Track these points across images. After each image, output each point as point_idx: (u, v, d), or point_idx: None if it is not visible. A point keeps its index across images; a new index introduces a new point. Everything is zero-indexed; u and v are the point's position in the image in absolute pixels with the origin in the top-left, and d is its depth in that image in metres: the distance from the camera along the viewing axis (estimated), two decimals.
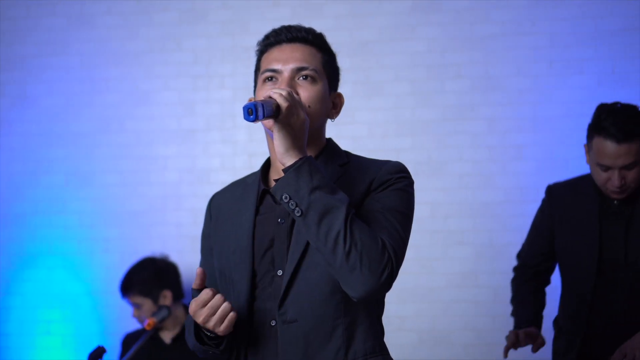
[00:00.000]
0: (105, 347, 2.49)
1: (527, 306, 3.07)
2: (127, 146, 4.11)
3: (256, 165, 4.00)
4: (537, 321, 3.03)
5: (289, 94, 1.75)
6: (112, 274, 4.00)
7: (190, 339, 1.91)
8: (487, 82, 3.87)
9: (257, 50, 1.99)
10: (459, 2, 3.89)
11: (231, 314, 1.78)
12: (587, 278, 2.94)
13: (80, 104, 4.15)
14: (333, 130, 3.73)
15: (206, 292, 1.78)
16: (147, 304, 3.64)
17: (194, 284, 1.82)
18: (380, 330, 1.92)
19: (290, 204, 1.73)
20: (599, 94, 3.61)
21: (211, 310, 1.77)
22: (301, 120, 1.76)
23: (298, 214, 1.73)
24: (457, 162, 3.83)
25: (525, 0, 3.85)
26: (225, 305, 1.78)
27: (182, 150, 4.08)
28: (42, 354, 4.09)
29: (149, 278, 3.68)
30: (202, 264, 2.07)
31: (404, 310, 3.84)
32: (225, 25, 4.07)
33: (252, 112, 1.69)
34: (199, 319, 1.79)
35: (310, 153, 1.90)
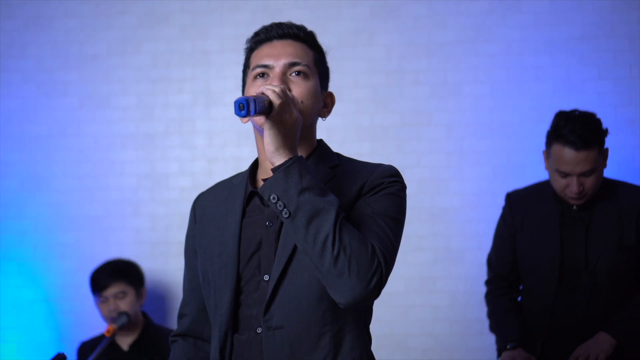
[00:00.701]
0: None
1: (508, 322, 3.04)
2: (84, 150, 4.07)
3: (215, 171, 4.03)
4: (522, 337, 3.00)
5: (283, 90, 1.69)
6: (69, 280, 3.96)
7: None
8: (445, 88, 3.90)
9: (246, 48, 1.93)
10: (417, 9, 3.92)
11: None
12: (549, 284, 2.97)
13: (37, 107, 4.10)
14: None
15: None
16: (131, 294, 3.59)
17: None
18: (368, 339, 1.87)
19: (278, 204, 1.66)
20: (555, 101, 3.66)
21: None
22: (294, 119, 1.69)
23: (286, 215, 1.66)
24: (415, 168, 3.86)
25: (482, 8, 3.89)
26: None
27: (141, 155, 4.05)
28: None
29: (135, 269, 3.67)
30: (186, 267, 2.01)
31: None
32: (184, 30, 4.05)
33: (243, 106, 1.61)
34: None
35: (300, 153, 1.84)
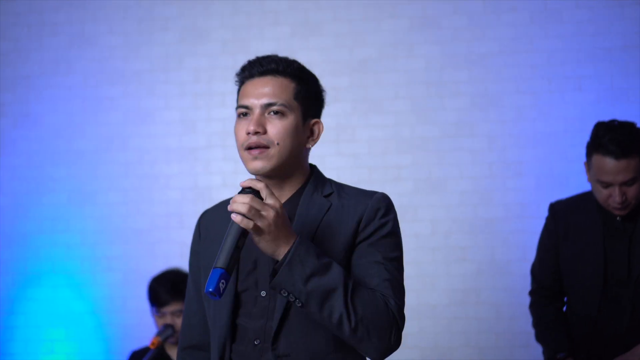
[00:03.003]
0: None
1: (556, 332, 3.02)
2: (129, 164, 4.13)
3: None
4: (571, 347, 2.98)
5: (250, 209, 1.72)
6: (116, 293, 4.01)
7: None
8: (486, 99, 3.89)
9: (236, 82, 2.01)
10: (456, 21, 3.93)
11: None
12: (593, 295, 2.94)
13: (83, 122, 4.18)
14: (333, 148, 3.77)
15: None
16: None
17: None
18: None
19: (290, 297, 1.76)
20: (598, 111, 3.64)
21: None
22: (270, 221, 1.73)
23: (299, 305, 1.76)
24: (457, 179, 3.86)
25: (523, 19, 3.88)
26: None
27: (184, 169, 4.10)
28: None
29: None
30: (191, 278, 2.08)
31: (406, 327, 3.82)
32: (225, 45, 4.10)
33: (215, 294, 1.68)
34: None
35: (295, 183, 1.95)
